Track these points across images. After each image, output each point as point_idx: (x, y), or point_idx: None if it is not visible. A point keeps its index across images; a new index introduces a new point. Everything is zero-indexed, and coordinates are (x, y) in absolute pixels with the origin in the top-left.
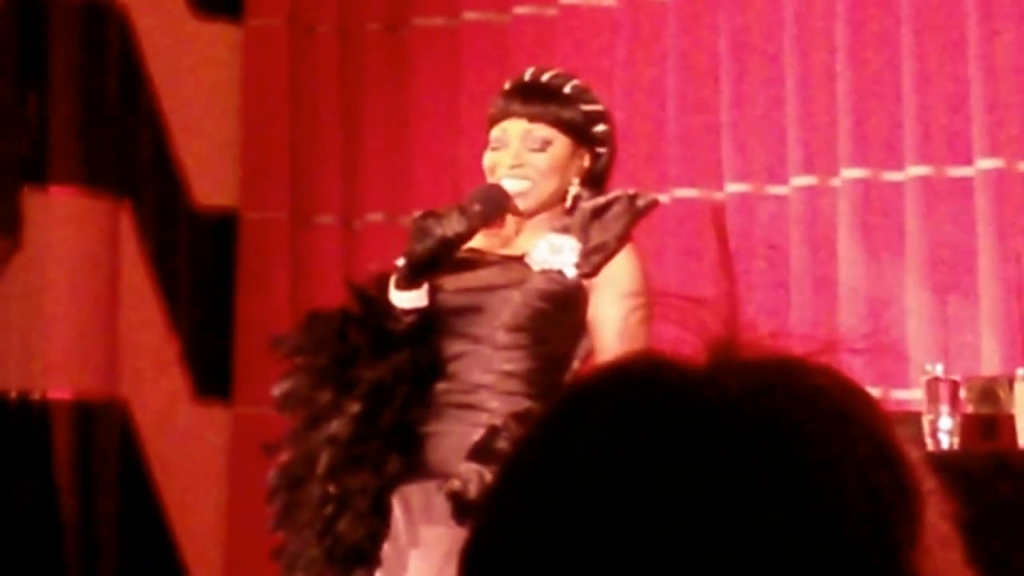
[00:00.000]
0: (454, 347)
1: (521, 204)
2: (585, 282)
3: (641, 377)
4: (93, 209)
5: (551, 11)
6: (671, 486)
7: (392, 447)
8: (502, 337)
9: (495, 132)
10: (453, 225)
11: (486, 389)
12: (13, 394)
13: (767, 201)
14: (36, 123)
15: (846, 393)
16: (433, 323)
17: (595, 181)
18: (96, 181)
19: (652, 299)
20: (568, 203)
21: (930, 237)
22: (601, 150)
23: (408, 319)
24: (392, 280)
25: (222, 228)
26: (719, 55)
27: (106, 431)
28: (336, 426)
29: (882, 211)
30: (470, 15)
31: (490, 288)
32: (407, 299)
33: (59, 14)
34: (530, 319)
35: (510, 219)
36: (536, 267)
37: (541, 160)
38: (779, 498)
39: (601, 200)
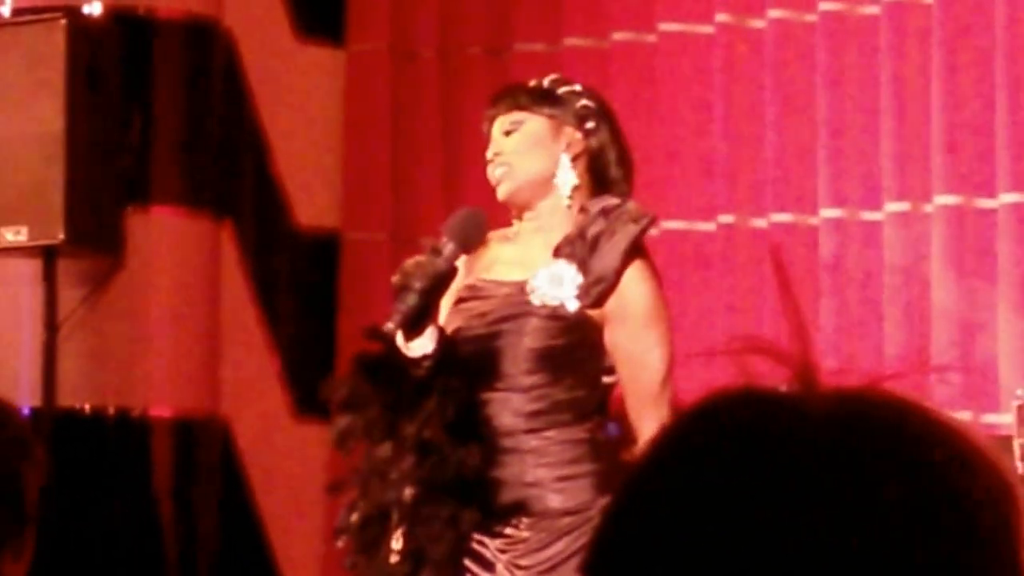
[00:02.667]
0: (480, 393)
1: (503, 191)
2: (595, 312)
3: (747, 404)
4: (195, 229)
5: (650, 37)
6: (801, 507)
7: (459, 501)
8: (523, 381)
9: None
10: (429, 271)
11: (521, 432)
12: (111, 410)
13: (861, 226)
14: (139, 143)
15: (931, 416)
16: (454, 364)
17: (600, 164)
18: (198, 201)
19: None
20: (567, 193)
21: (1022, 262)
22: (590, 124)
23: (426, 364)
24: (386, 332)
25: (323, 248)
26: (815, 80)
27: (206, 449)
28: (403, 490)
29: (974, 237)
30: (570, 41)
31: (499, 332)
32: (416, 348)
33: (164, 35)
34: (545, 360)
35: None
36: (537, 300)
37: (513, 141)
38: (919, 506)
39: (601, 223)
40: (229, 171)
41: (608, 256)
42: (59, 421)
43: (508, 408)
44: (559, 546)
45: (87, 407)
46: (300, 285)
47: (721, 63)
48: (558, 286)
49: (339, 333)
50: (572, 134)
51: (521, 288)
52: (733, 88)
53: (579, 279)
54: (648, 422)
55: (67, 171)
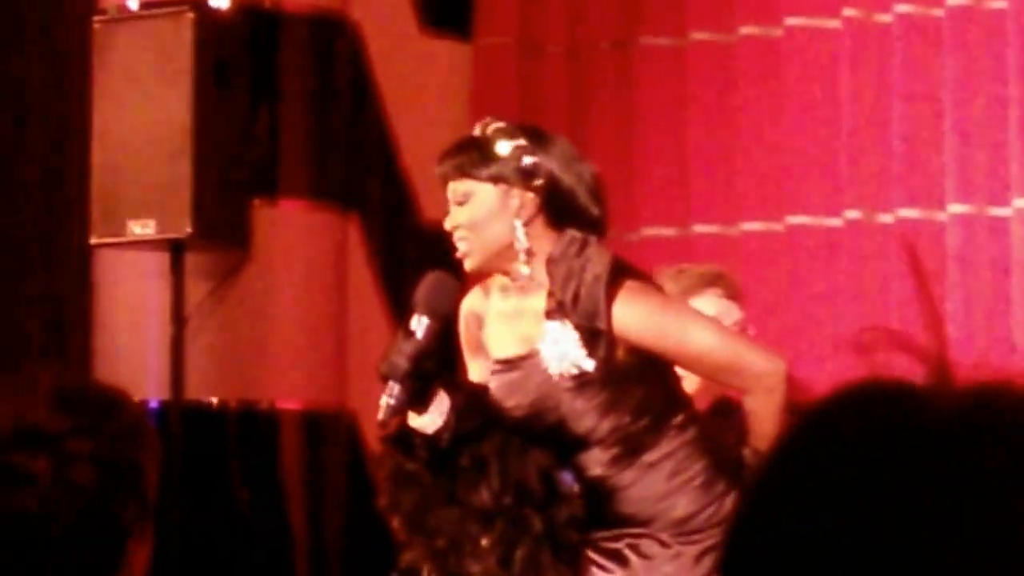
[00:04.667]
0: (552, 457)
1: (469, 266)
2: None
3: (879, 399)
4: (322, 222)
5: (776, 32)
6: (932, 504)
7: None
8: (588, 440)
9: None
10: (408, 352)
11: (614, 475)
12: (239, 404)
13: (988, 222)
14: (266, 136)
15: None
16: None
17: (559, 213)
18: (325, 194)
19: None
20: (522, 259)
21: None
22: (538, 182)
23: (445, 436)
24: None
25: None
26: (943, 74)
27: (334, 442)
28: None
29: None
30: (696, 35)
31: (541, 413)
32: (426, 423)
33: (290, 28)
34: (595, 416)
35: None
36: (556, 373)
37: (466, 215)
38: None
39: (571, 269)
40: (356, 164)
41: (591, 301)
42: (187, 415)
43: (591, 462)
44: (692, 549)
45: (214, 401)
46: None
47: (847, 57)
48: (564, 354)
49: None
50: (522, 196)
51: (536, 365)
52: (859, 82)
53: (576, 335)
54: (754, 392)
55: (195, 164)
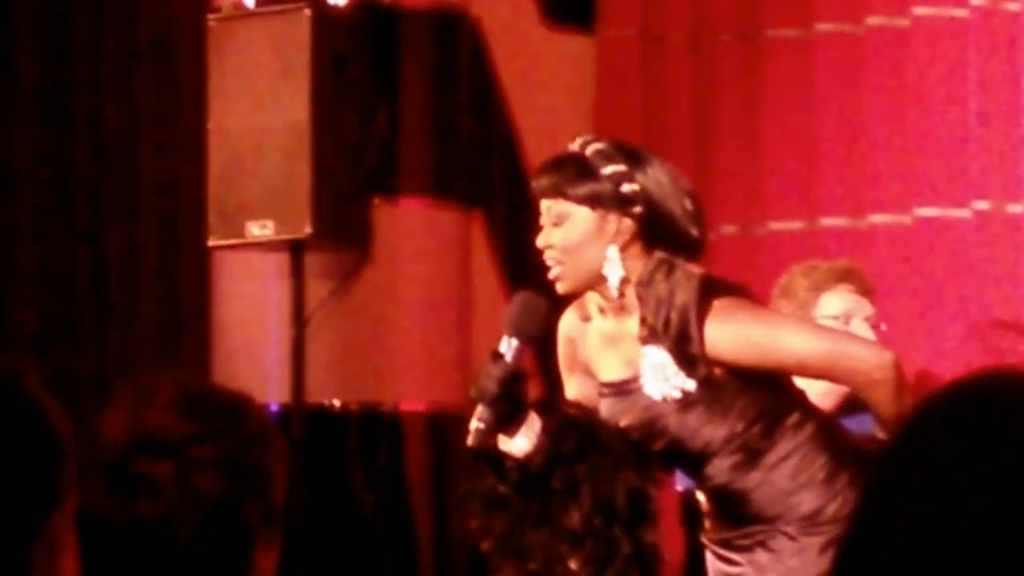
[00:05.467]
0: (644, 476)
1: (562, 289)
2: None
3: (1004, 386)
4: (444, 220)
5: (903, 22)
6: None
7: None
8: (706, 453)
9: None
10: (497, 376)
11: (739, 479)
12: (361, 406)
13: None
14: (386, 135)
15: None
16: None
17: (657, 238)
18: (447, 192)
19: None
20: (615, 284)
21: None
22: (636, 209)
23: (536, 459)
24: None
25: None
26: None
27: (459, 444)
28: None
29: None
30: (823, 26)
31: (653, 435)
32: (515, 447)
33: (410, 24)
34: (707, 430)
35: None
36: (659, 397)
37: (561, 237)
38: None
39: (662, 294)
40: (478, 161)
41: (683, 326)
42: (308, 418)
43: (714, 472)
44: (817, 541)
45: (336, 403)
46: None
47: (975, 46)
48: (664, 378)
49: None
50: (619, 222)
51: (640, 389)
52: (987, 71)
53: (672, 359)
54: (867, 387)
55: (313, 164)
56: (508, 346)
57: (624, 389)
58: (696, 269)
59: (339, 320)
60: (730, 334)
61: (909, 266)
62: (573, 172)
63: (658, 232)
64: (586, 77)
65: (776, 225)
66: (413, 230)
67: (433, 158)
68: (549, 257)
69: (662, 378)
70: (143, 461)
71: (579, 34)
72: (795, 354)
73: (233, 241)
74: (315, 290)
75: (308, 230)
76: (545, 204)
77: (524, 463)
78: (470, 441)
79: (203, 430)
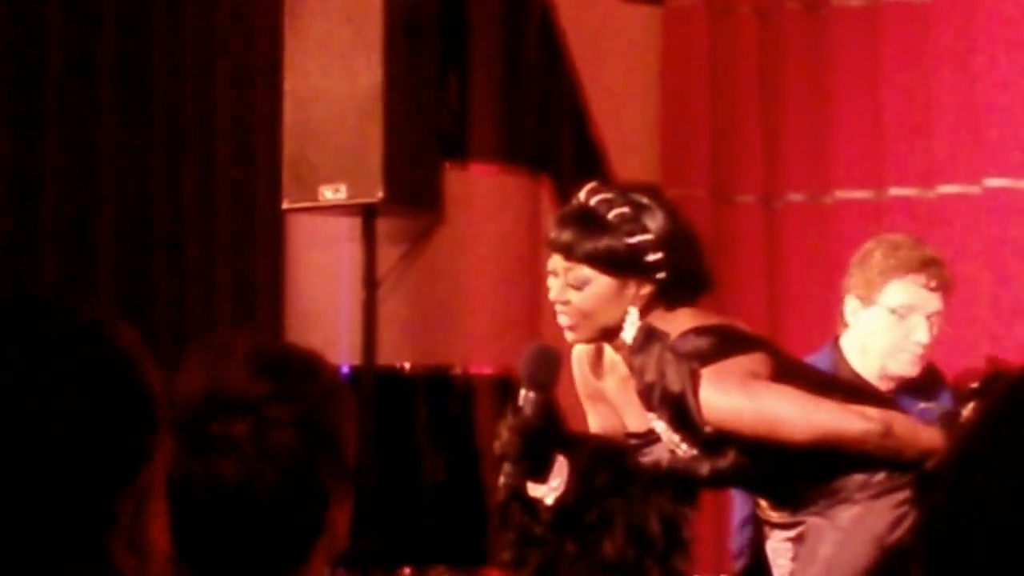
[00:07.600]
0: (678, 502)
1: (570, 339)
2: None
3: None
4: (513, 186)
5: None
6: None
7: None
8: (752, 483)
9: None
10: (521, 429)
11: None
12: (432, 369)
13: None
14: (457, 101)
15: None
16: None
17: (676, 297)
18: (516, 157)
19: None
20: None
21: None
22: (660, 275)
23: (568, 500)
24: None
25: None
26: None
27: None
28: None
29: None
30: None
31: (688, 472)
32: (547, 491)
33: None
34: (744, 463)
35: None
36: (680, 452)
37: (579, 299)
38: None
39: (651, 371)
40: (547, 128)
41: (678, 402)
42: (379, 380)
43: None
44: (873, 503)
45: (407, 365)
46: None
47: None
48: (674, 441)
49: None
50: (638, 286)
51: (661, 440)
52: None
53: (677, 438)
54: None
55: (386, 128)
56: (525, 399)
57: (648, 440)
58: (686, 322)
59: (410, 283)
60: (721, 408)
61: (978, 236)
62: (594, 236)
63: (678, 289)
64: (653, 47)
65: (842, 194)
66: (483, 195)
67: (502, 123)
68: (563, 312)
69: (672, 441)
70: (220, 421)
71: (647, 3)
72: (787, 433)
73: (307, 204)
74: (386, 254)
75: (380, 194)
76: (559, 262)
77: (556, 504)
78: (500, 497)
79: (278, 390)
